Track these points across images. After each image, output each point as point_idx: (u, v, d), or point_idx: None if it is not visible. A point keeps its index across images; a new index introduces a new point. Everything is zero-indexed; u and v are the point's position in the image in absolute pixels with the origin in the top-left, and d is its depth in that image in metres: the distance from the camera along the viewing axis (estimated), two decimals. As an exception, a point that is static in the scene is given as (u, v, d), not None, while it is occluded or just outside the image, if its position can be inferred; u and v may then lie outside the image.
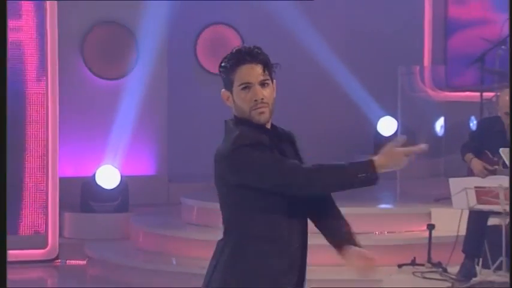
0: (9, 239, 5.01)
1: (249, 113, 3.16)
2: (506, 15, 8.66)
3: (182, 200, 8.51)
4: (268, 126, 3.21)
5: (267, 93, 3.17)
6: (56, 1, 8.51)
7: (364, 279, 6.79)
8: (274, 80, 3.23)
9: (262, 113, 3.16)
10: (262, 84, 3.16)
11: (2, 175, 4.58)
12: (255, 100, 3.14)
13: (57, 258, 8.47)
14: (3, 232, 4.44)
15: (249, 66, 3.15)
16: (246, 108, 3.16)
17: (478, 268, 6.66)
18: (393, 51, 10.15)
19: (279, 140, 3.22)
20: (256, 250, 3.14)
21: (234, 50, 3.21)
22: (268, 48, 3.31)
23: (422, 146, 3.06)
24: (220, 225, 3.32)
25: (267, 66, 3.18)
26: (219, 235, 3.30)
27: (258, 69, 3.16)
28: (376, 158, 3.04)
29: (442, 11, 10.50)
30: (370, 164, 3.04)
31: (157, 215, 8.90)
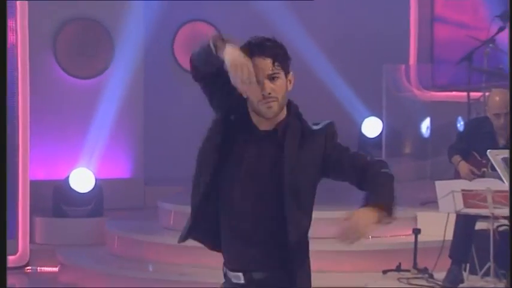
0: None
1: (257, 106, 3.23)
2: (493, 16, 8.60)
3: (159, 204, 8.45)
4: (278, 119, 3.26)
5: (277, 86, 3.22)
6: (26, 1, 8.34)
7: (348, 286, 6.68)
8: (291, 73, 3.27)
9: (270, 107, 3.22)
10: (272, 78, 3.21)
11: (2, 176, 4.44)
12: (263, 94, 3.20)
13: (27, 264, 8.38)
14: (3, 235, 4.29)
15: (257, 60, 3.19)
16: (254, 101, 3.23)
17: (465, 274, 6.58)
18: (379, 50, 10.06)
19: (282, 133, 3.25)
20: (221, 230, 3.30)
21: (247, 41, 3.25)
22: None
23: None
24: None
25: (277, 59, 3.21)
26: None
27: (267, 62, 3.19)
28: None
29: (429, 9, 10.42)
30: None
31: (133, 220, 8.81)
